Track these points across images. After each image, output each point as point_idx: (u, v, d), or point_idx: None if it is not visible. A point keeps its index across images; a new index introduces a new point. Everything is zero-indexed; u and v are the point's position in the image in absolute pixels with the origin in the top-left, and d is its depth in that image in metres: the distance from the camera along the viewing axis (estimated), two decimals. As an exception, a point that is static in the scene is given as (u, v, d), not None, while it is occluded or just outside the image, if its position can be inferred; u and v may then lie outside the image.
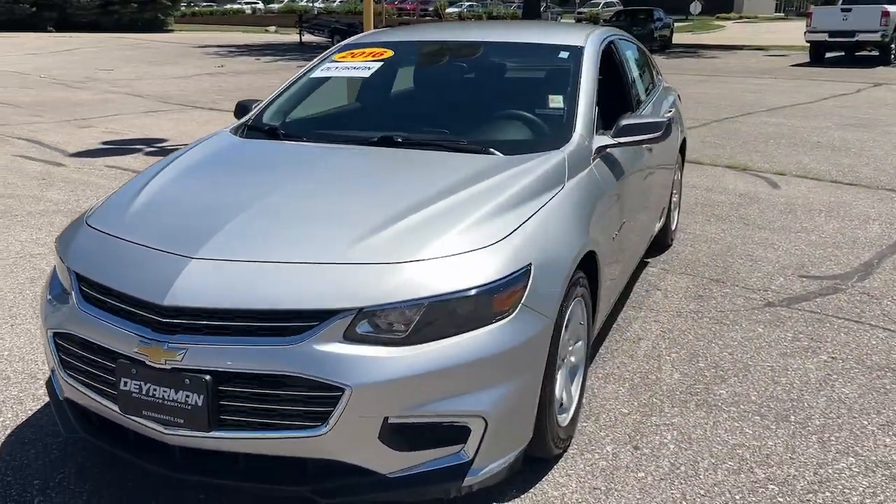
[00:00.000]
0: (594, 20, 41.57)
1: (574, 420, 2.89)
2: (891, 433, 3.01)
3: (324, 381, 2.10)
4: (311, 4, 60.63)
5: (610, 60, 3.98)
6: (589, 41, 3.78)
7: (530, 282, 2.36)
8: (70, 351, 2.42)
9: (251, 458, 2.23)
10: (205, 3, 66.65)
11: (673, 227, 5.31)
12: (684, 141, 5.38)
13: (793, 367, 3.56)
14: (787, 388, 3.35)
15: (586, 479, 2.68)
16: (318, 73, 3.89)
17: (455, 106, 3.65)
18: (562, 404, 2.77)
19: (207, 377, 2.12)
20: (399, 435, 2.18)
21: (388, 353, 2.13)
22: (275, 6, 66.46)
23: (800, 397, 3.28)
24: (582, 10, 50.66)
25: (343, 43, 4.13)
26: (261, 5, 68.42)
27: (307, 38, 30.53)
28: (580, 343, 2.93)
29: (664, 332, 3.94)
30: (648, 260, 5.01)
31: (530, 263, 2.38)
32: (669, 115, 4.64)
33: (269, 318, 2.15)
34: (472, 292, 2.23)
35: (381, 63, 3.82)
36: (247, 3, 66.79)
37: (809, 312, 4.22)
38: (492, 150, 3.04)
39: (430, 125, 3.43)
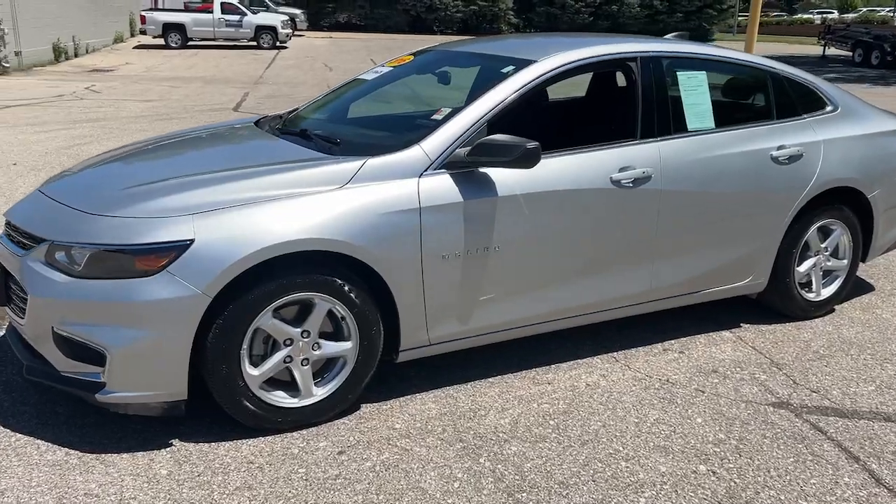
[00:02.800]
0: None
1: (316, 411, 3.13)
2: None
3: (23, 287, 2.95)
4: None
5: (603, 79, 3.70)
6: (550, 58, 3.62)
7: (185, 255, 2.79)
8: None
9: None
10: (775, 14, 64.95)
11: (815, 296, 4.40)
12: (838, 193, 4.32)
13: None
14: None
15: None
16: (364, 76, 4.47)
17: (376, 110, 3.96)
18: (299, 391, 3.09)
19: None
20: (62, 342, 2.90)
21: (60, 279, 2.86)
22: (849, 16, 61.29)
23: None
24: None
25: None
26: (835, 14, 63.83)
27: (832, 50, 28.10)
28: (345, 344, 3.12)
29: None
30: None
31: (192, 240, 2.81)
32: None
33: (25, 236, 3.08)
34: (125, 249, 2.80)
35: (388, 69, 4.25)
36: (818, 13, 63.00)
37: None
38: (336, 145, 3.38)
39: (336, 123, 3.84)
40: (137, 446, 2.98)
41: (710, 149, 3.88)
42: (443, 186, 3.21)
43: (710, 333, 4.19)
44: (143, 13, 27.25)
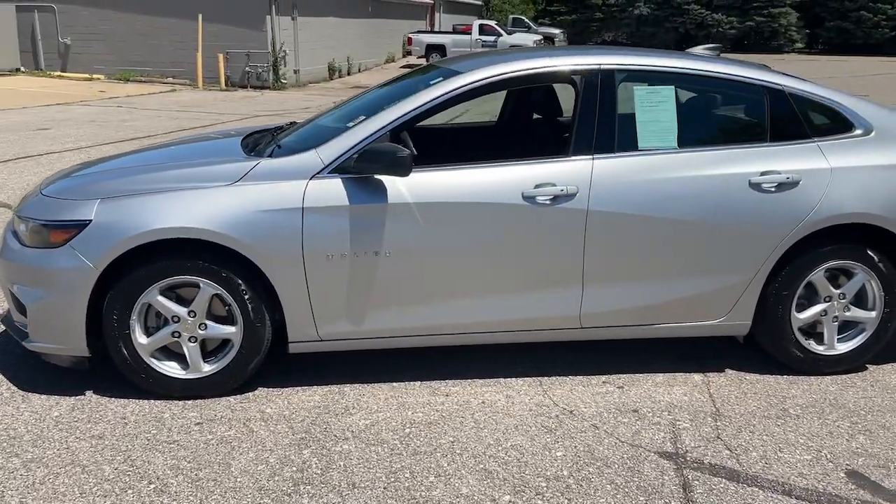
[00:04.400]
0: None
1: (205, 384, 3.47)
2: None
3: None
4: None
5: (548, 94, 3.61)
6: (474, 71, 3.60)
7: (83, 232, 3.28)
8: None
9: None
10: None
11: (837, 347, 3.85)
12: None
13: None
14: None
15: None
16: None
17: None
18: (189, 365, 3.45)
19: None
20: (13, 298, 3.54)
21: (15, 246, 3.50)
22: None
23: None
24: None
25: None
26: None
27: None
28: (230, 328, 3.42)
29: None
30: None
31: (90, 220, 3.29)
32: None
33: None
34: (41, 223, 3.37)
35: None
36: None
37: None
38: (279, 148, 3.69)
39: (314, 129, 4.10)
40: (59, 392, 3.51)
41: (664, 170, 3.57)
42: (331, 190, 3.37)
43: (679, 374, 3.82)
44: (409, 35, 29.54)
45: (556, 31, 35.45)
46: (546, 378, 3.75)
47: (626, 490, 2.86)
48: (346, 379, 3.68)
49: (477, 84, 3.58)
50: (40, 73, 22.44)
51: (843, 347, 3.83)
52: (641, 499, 2.81)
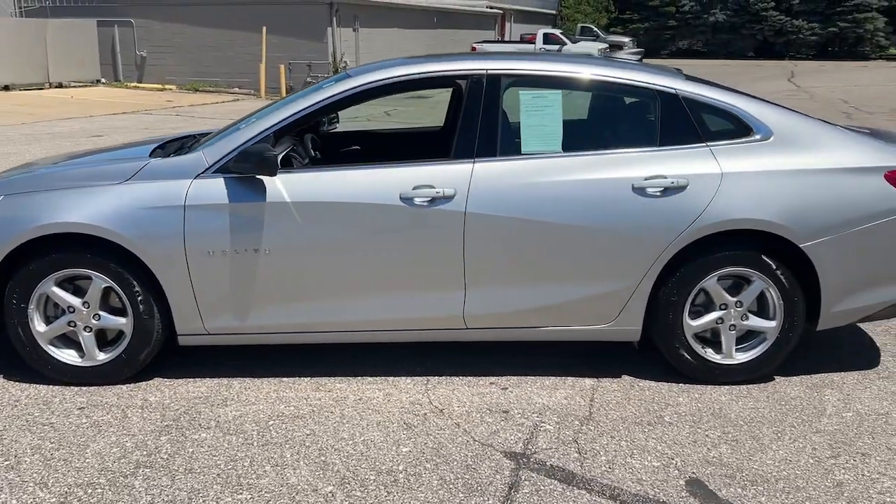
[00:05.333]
0: None
1: (99, 373, 3.67)
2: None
3: None
4: None
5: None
6: (363, 75, 3.71)
7: None
8: None
9: None
10: None
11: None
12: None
13: None
14: None
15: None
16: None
17: None
18: (84, 353, 3.67)
19: None
20: None
21: None
22: None
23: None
24: None
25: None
26: None
27: None
28: (121, 319, 3.61)
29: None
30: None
31: None
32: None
33: None
34: None
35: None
36: None
37: None
38: (188, 149, 3.87)
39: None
40: (-25, 375, 3.79)
41: (547, 174, 3.58)
42: (212, 189, 3.53)
43: (571, 378, 3.81)
44: (474, 44, 29.71)
45: (625, 39, 35.02)
46: (435, 378, 3.80)
47: (451, 487, 2.89)
48: (241, 372, 3.83)
49: (361, 88, 3.68)
50: (118, 84, 23.69)
51: (741, 357, 3.74)
52: (461, 496, 2.84)
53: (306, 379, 3.78)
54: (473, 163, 3.58)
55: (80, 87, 22.17)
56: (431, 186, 3.53)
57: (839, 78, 26.76)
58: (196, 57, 23.62)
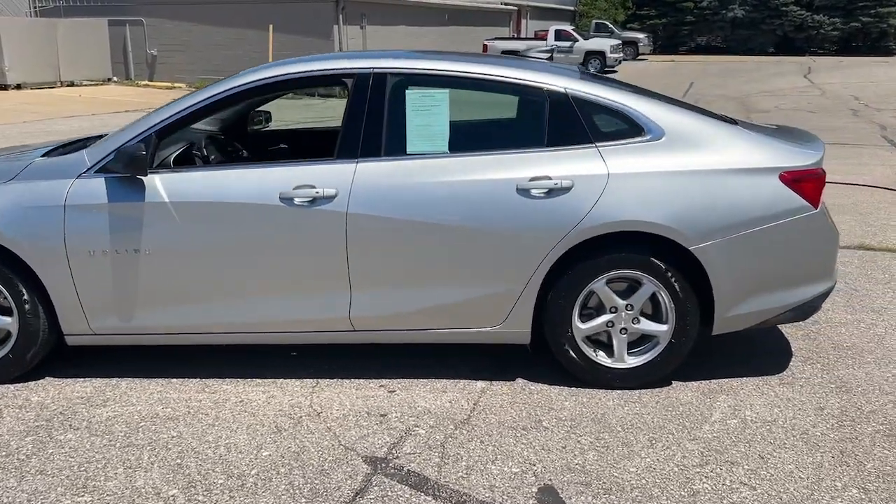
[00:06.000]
0: None
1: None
2: None
3: None
4: None
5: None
6: (250, 73, 3.70)
7: None
8: None
9: None
10: None
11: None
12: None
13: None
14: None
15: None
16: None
17: None
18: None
19: None
20: None
21: None
22: None
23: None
24: None
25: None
26: None
27: None
28: (6, 318, 3.64)
29: (232, 395, 3.59)
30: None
31: None
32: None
33: None
34: None
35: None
36: None
37: None
38: (83, 147, 3.85)
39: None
40: None
41: (432, 174, 3.53)
42: (92, 188, 3.53)
43: (463, 381, 3.76)
44: (485, 42, 29.60)
45: (640, 35, 34.65)
46: (325, 380, 3.77)
47: (297, 492, 2.86)
48: (135, 372, 3.83)
49: (244, 87, 3.66)
50: (129, 83, 23.96)
51: (633, 361, 3.66)
52: (303, 501, 2.81)
53: (195, 380, 3.77)
54: (357, 163, 3.55)
55: (91, 85, 22.46)
56: (312, 186, 3.50)
57: (856, 74, 26.26)
58: (205, 55, 23.79)
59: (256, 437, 3.24)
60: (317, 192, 3.49)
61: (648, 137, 3.58)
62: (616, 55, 28.33)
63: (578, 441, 3.22)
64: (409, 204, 3.50)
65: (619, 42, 29.49)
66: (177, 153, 3.86)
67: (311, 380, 3.77)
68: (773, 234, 3.52)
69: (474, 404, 3.53)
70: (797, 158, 3.60)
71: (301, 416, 3.42)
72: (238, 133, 4.84)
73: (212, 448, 3.15)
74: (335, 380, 3.78)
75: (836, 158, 9.92)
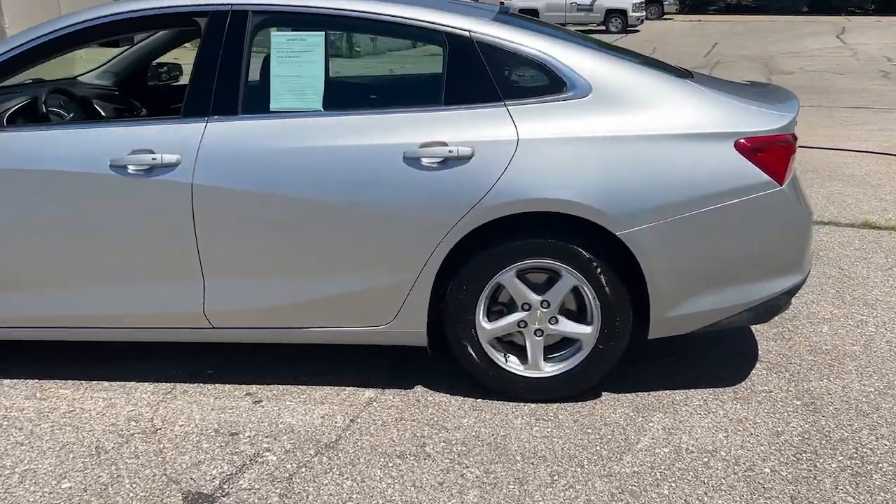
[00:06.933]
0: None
1: None
2: None
3: None
4: None
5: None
6: (77, 14, 3.02)
7: None
8: None
9: None
10: None
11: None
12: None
13: None
14: None
15: None
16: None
17: None
18: None
19: None
20: None
21: None
22: None
23: None
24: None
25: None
26: None
27: None
28: None
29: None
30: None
31: None
32: None
33: None
34: None
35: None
36: None
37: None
38: None
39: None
40: None
41: (300, 138, 2.86)
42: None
43: (352, 388, 3.12)
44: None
45: (667, -8, 33.15)
46: (186, 385, 3.16)
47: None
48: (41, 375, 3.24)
49: (73, 29, 2.99)
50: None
51: (551, 369, 2.99)
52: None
53: (31, 382, 3.17)
54: (206, 122, 2.88)
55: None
56: (150, 151, 2.85)
57: (894, 34, 24.81)
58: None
59: (65, 463, 2.63)
60: (154, 159, 2.84)
61: (571, 94, 2.87)
62: (639, 14, 27.10)
63: (462, 475, 2.57)
64: (271, 174, 2.83)
65: (642, 1, 28.17)
66: (13, 109, 3.23)
67: (168, 384, 3.16)
68: (726, 217, 2.80)
69: (351, 421, 2.90)
70: (759, 121, 2.86)
71: (133, 434, 2.80)
72: (137, 89, 4.20)
73: (2, 478, 2.55)
74: (196, 384, 3.16)
75: (858, 123, 9.06)
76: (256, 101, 2.90)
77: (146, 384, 3.16)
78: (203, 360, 3.32)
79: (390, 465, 2.62)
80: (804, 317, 3.75)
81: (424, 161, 2.79)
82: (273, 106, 2.90)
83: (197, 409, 2.98)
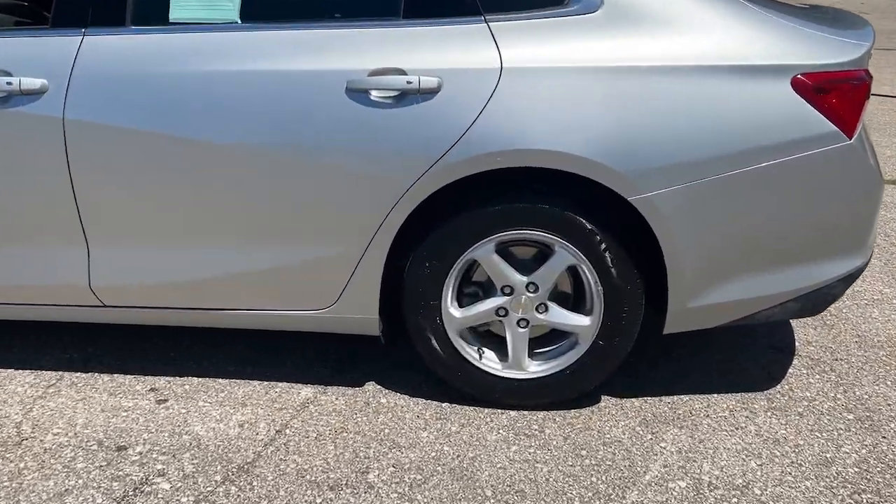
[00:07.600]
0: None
1: None
2: None
3: None
4: None
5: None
6: None
7: None
8: None
9: None
10: None
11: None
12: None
13: None
14: None
15: None
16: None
17: None
18: None
19: None
20: None
21: None
22: None
23: None
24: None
25: None
26: None
27: None
28: None
29: None
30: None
31: None
32: None
33: None
34: None
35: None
36: None
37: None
38: None
39: None
40: None
41: (209, 60, 2.13)
42: None
43: (286, 385, 2.48)
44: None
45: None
46: (75, 375, 2.52)
47: None
48: None
49: None
50: None
51: (537, 369, 2.33)
52: None
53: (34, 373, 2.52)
54: (83, 35, 2.15)
55: None
56: (7, 73, 2.13)
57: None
58: None
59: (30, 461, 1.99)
60: (10, 84, 2.12)
61: (574, 8, 2.13)
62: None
63: (410, 517, 1.93)
64: (169, 108, 2.12)
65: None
66: None
67: (55, 373, 2.51)
68: (774, 179, 2.11)
69: (277, 432, 2.25)
70: (824, 52, 2.13)
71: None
72: None
73: None
74: (91, 374, 2.51)
75: (890, 65, 8.30)
76: (151, 9, 2.17)
77: (29, 371, 2.51)
78: (104, 345, 2.65)
79: (318, 501, 1.98)
80: (848, 297, 3.09)
81: (374, 94, 2.08)
82: (173, 15, 2.17)
83: (83, 408, 2.32)
